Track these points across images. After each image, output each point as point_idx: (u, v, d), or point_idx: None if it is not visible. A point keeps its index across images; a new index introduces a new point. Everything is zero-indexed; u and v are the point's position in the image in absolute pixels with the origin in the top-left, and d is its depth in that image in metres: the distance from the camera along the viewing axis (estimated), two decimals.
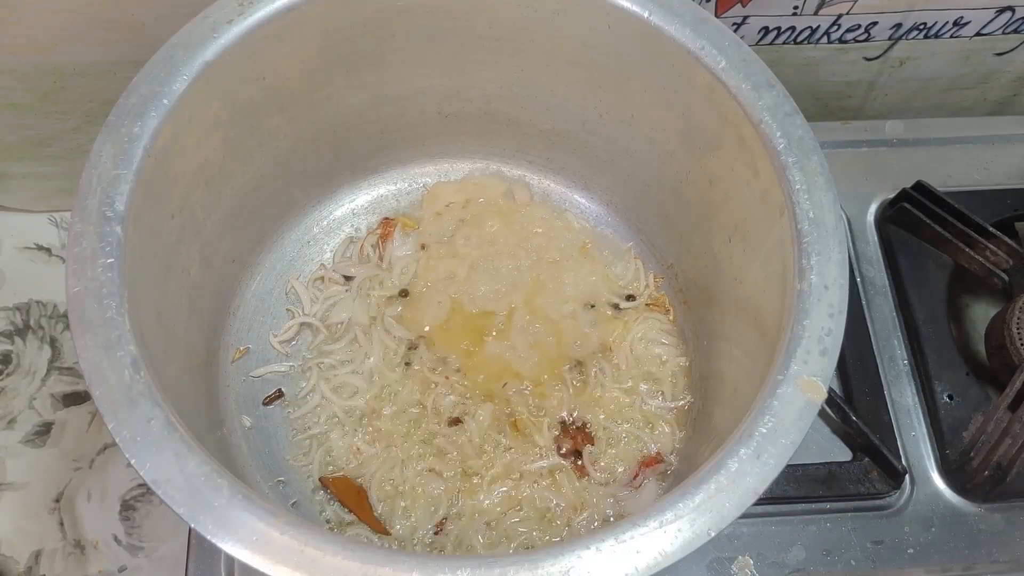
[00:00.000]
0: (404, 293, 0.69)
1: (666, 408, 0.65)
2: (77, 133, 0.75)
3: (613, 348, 0.67)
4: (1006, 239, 0.70)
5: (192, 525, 0.41)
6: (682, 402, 0.65)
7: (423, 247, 0.71)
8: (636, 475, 0.62)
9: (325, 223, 0.72)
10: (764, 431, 0.45)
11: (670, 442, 0.64)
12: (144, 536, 0.71)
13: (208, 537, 0.41)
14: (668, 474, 0.63)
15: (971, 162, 0.78)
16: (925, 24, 0.76)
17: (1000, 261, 0.70)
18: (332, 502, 0.61)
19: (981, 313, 0.73)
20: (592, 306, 0.69)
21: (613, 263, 0.71)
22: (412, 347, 0.66)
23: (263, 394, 0.65)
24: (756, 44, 0.76)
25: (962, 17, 0.75)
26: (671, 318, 0.69)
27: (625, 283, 0.70)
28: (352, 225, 0.73)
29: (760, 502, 0.43)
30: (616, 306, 0.69)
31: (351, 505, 0.61)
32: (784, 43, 0.77)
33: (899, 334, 0.69)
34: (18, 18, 0.65)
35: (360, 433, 0.63)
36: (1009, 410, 0.62)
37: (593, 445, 0.63)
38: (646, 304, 0.69)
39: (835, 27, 0.75)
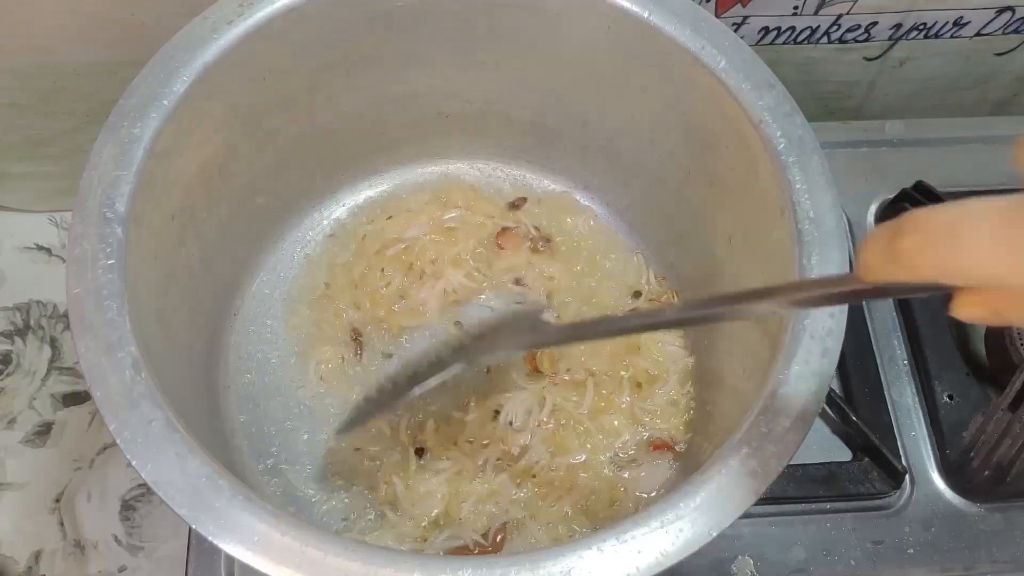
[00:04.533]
0: None
1: (668, 407, 0.65)
2: (77, 133, 0.75)
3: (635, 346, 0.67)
4: None
5: (193, 526, 0.41)
6: (683, 402, 0.65)
7: None
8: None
9: (325, 223, 0.72)
10: (765, 431, 0.45)
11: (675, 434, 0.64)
12: (144, 536, 0.71)
13: (209, 538, 0.41)
14: (677, 461, 0.63)
15: (971, 162, 0.77)
16: (925, 24, 0.76)
17: None
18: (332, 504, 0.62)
19: None
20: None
21: (613, 264, 0.71)
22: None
23: (263, 394, 0.65)
24: (756, 44, 0.76)
25: (962, 17, 0.75)
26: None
27: (628, 282, 0.70)
28: (351, 224, 0.72)
29: (760, 502, 0.43)
30: (623, 308, 0.69)
31: None
32: (784, 43, 0.77)
33: (899, 334, 0.69)
34: (18, 18, 0.64)
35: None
36: (1009, 410, 0.62)
37: None
38: (649, 300, 0.69)
39: (835, 27, 0.75)
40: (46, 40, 0.67)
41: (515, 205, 0.72)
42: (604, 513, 0.61)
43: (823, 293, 0.36)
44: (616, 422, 0.63)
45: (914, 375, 0.68)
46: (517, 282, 0.69)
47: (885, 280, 0.30)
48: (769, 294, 0.37)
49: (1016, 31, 0.77)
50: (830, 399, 0.64)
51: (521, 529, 0.60)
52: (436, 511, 0.59)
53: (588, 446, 0.62)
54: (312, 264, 0.70)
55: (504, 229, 0.70)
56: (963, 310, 0.30)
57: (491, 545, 0.58)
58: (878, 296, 0.37)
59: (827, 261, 0.49)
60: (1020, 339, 0.65)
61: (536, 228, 0.71)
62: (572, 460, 0.62)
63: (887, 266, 0.30)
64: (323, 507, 0.61)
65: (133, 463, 0.42)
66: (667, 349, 0.66)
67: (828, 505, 0.63)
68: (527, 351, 0.57)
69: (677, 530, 0.42)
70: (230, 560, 0.59)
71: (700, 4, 0.62)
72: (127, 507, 0.72)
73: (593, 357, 0.65)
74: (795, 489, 0.62)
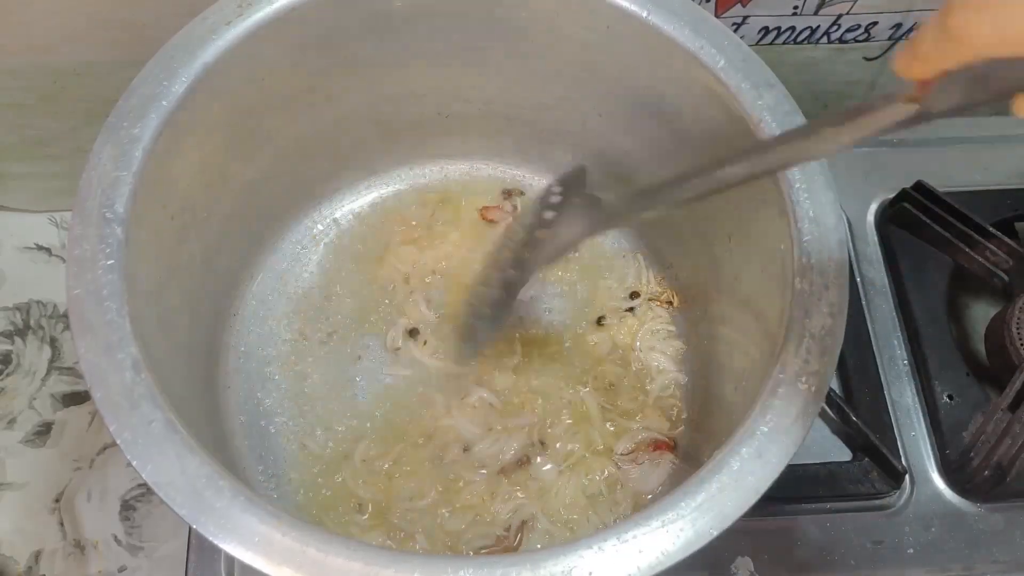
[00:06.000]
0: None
1: (667, 403, 0.65)
2: (77, 133, 0.75)
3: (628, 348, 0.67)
4: (1006, 239, 0.70)
5: (194, 526, 0.41)
6: (673, 403, 0.65)
7: None
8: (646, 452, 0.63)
9: (325, 223, 0.72)
10: (765, 430, 0.45)
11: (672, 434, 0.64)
12: (144, 536, 0.71)
13: (210, 538, 0.41)
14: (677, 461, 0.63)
15: (971, 162, 0.77)
16: None
17: (1000, 261, 0.70)
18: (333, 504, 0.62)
19: (981, 313, 0.73)
20: (600, 321, 0.68)
21: (613, 264, 0.71)
22: None
23: (264, 394, 0.65)
24: (756, 44, 0.76)
25: None
26: (675, 305, 0.69)
27: (628, 283, 0.70)
28: (351, 224, 0.72)
29: (760, 502, 0.43)
30: (620, 309, 0.69)
31: None
32: (784, 43, 0.77)
33: (899, 334, 0.69)
34: (18, 18, 0.65)
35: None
36: (1009, 410, 0.62)
37: None
38: (648, 300, 0.69)
39: (835, 27, 0.75)
40: (46, 40, 0.67)
41: (510, 193, 0.74)
42: (603, 511, 0.61)
43: (876, 126, 0.35)
44: (602, 418, 0.64)
45: (914, 375, 0.68)
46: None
47: (941, 66, 0.28)
48: (818, 129, 0.36)
49: None
50: (830, 399, 0.64)
51: (534, 524, 0.60)
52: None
53: (581, 439, 0.63)
54: (312, 264, 0.71)
55: (487, 207, 0.73)
56: None
57: (513, 536, 0.59)
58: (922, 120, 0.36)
59: (827, 261, 0.49)
60: (1020, 339, 0.65)
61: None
62: (560, 452, 0.63)
63: (942, 47, 0.27)
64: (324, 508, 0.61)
65: (133, 464, 0.42)
66: (656, 356, 0.67)
67: (828, 505, 0.63)
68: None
69: (677, 530, 0.42)
70: (230, 560, 0.59)
71: (700, 4, 0.62)
72: (127, 507, 0.72)
73: (585, 355, 0.66)
74: (795, 489, 0.62)
